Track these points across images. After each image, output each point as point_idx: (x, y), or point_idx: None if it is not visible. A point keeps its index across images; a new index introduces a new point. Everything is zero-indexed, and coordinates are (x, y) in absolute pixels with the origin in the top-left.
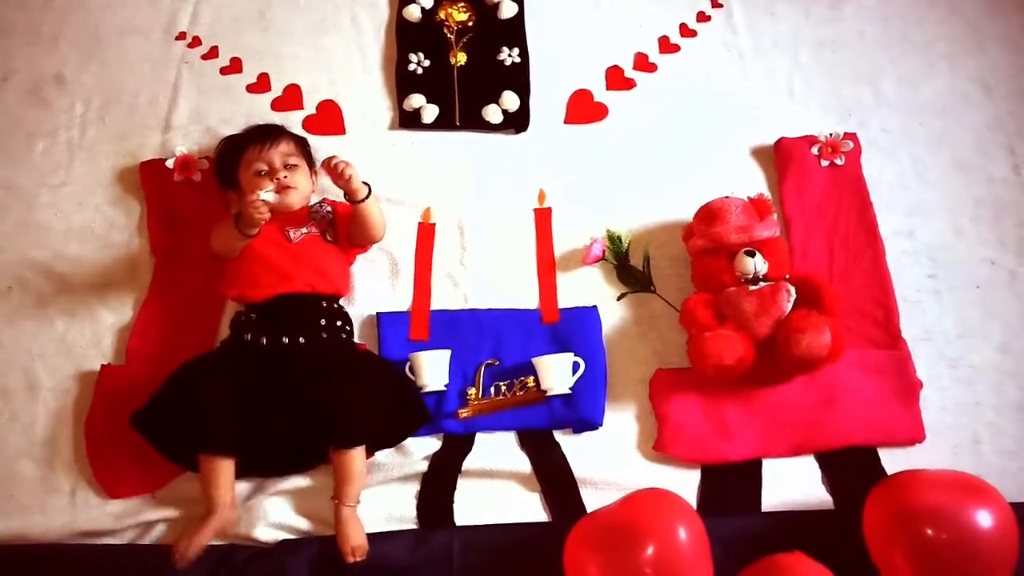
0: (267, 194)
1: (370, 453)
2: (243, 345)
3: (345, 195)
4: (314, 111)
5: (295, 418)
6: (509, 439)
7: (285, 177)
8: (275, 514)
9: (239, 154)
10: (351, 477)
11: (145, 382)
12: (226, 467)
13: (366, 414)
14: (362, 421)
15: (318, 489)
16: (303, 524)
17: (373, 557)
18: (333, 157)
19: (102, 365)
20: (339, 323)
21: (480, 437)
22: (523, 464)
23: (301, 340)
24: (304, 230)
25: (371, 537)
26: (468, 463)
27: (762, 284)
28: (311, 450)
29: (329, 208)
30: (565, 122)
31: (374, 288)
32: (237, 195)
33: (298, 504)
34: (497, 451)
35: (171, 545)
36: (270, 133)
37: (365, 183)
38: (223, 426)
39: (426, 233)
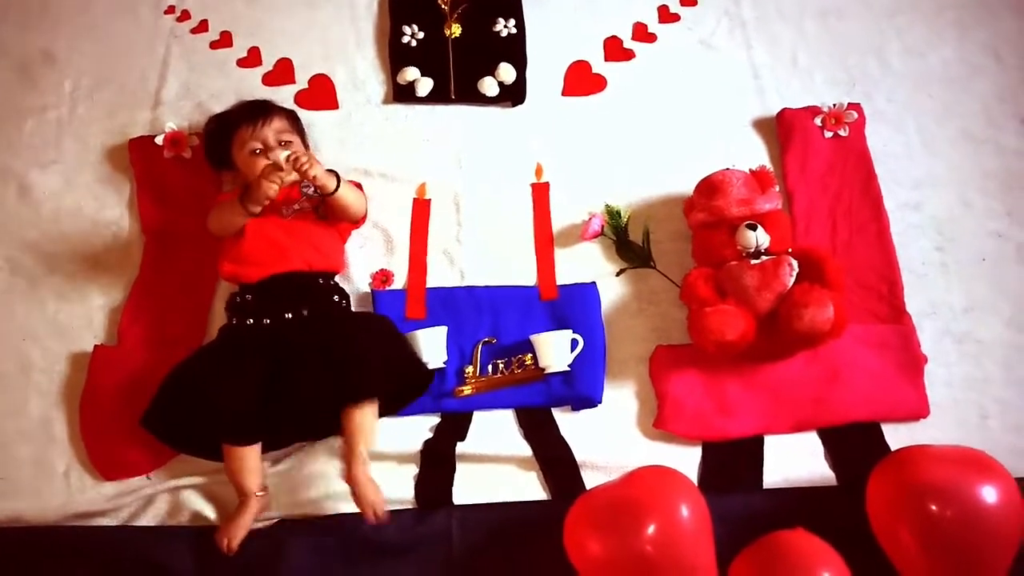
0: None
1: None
2: (246, 329)
3: (314, 190)
4: (306, 86)
5: (309, 388)
6: (507, 417)
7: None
8: (276, 493)
9: (231, 134)
10: (364, 433)
11: (138, 363)
12: (253, 454)
13: (378, 364)
14: (373, 373)
15: (319, 469)
16: (303, 504)
17: (372, 536)
18: (294, 153)
19: (95, 346)
20: (336, 298)
21: (478, 416)
22: (521, 443)
23: (305, 312)
24: (296, 207)
25: None
26: (466, 442)
27: (764, 258)
28: (329, 418)
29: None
30: (563, 94)
31: (369, 266)
32: (232, 175)
33: (297, 483)
34: (495, 430)
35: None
36: (261, 110)
37: (331, 171)
38: (246, 418)
39: (421, 209)
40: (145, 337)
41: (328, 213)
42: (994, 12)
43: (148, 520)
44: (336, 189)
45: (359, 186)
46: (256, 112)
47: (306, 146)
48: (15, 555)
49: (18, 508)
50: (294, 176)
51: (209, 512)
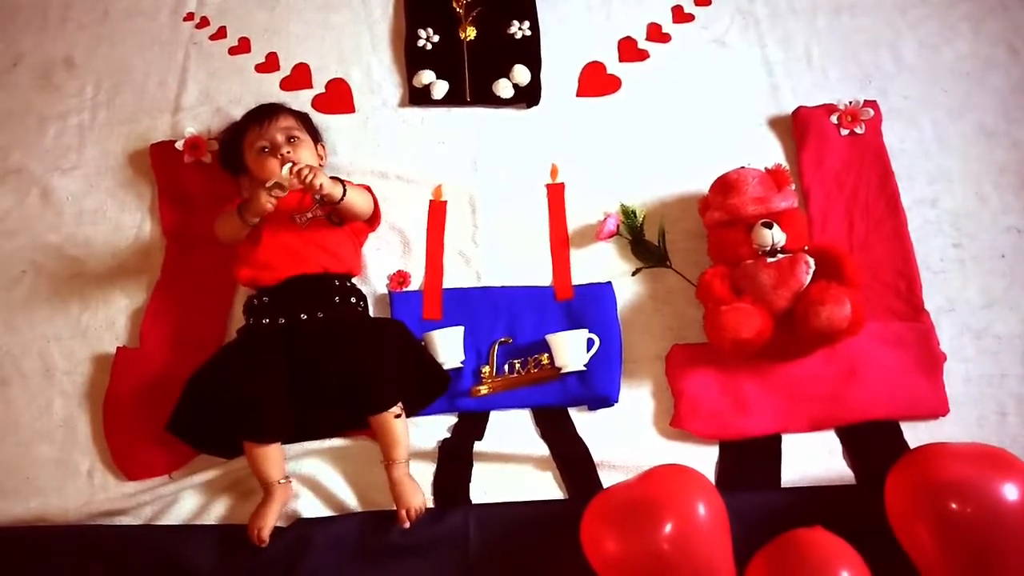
0: (285, 171)
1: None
2: (263, 329)
3: (322, 199)
4: (323, 90)
5: (326, 389)
6: (524, 417)
7: (288, 152)
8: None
9: (241, 138)
10: (395, 438)
11: (160, 364)
12: (274, 448)
13: (393, 374)
14: (391, 382)
15: (337, 469)
16: (321, 504)
17: (390, 535)
18: (295, 164)
19: (117, 348)
20: (353, 299)
21: (494, 415)
22: (538, 442)
23: (319, 315)
24: (310, 214)
25: (387, 515)
26: (483, 441)
27: (780, 256)
28: (348, 416)
29: None
30: (577, 95)
31: (386, 267)
32: (248, 179)
33: (317, 483)
34: (512, 429)
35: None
36: (267, 111)
37: (335, 178)
38: (267, 416)
39: (437, 211)
40: (167, 339)
41: (338, 216)
42: (1006, 4)
43: (170, 519)
44: (343, 198)
45: (368, 188)
46: (262, 114)
47: (321, 146)
48: (38, 554)
49: (42, 507)
50: (296, 183)
51: (229, 511)
